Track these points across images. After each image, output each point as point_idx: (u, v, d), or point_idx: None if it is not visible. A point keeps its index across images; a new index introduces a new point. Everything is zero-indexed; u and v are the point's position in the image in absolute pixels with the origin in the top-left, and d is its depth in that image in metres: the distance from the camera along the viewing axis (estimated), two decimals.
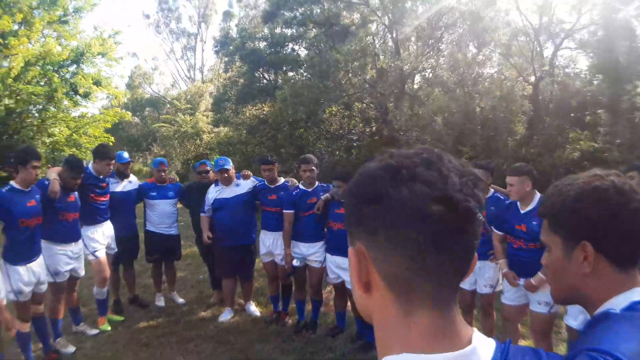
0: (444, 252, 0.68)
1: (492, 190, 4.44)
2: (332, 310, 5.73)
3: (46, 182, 4.49)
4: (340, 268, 4.84)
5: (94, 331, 5.25)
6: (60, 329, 4.87)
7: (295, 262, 5.03)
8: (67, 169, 4.60)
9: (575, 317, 3.50)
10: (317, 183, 5.12)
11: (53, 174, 4.62)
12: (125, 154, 5.78)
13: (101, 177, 5.14)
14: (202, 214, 5.49)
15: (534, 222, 3.71)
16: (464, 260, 0.71)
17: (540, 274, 3.68)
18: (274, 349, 4.85)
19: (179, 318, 5.69)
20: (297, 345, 4.93)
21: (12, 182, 4.14)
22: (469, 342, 0.70)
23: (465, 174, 0.69)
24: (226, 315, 5.59)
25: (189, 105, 23.51)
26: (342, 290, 5.07)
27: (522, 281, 3.88)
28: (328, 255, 4.95)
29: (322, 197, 4.90)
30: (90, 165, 5.14)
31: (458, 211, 0.66)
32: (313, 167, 5.02)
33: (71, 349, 4.80)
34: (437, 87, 10.29)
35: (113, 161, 5.21)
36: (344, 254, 4.73)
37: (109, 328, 5.32)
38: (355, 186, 0.73)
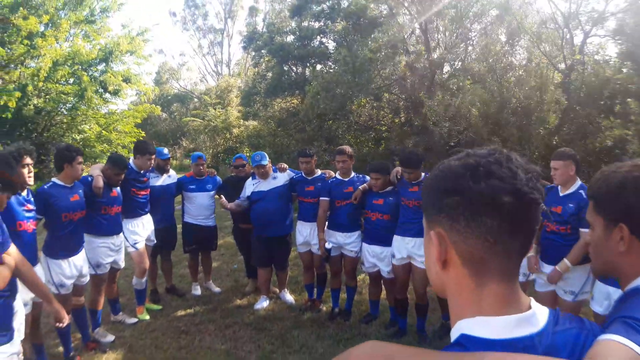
0: (513, 235, 0.83)
1: None
2: (365, 298, 5.84)
3: (89, 179, 4.58)
4: (376, 257, 4.94)
5: (133, 320, 5.37)
6: (99, 319, 5.01)
7: (327, 245, 5.13)
8: (111, 165, 4.71)
9: (600, 303, 3.60)
10: (352, 173, 5.21)
11: (96, 170, 4.73)
12: (165, 150, 5.93)
13: (142, 171, 5.27)
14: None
15: (570, 205, 3.82)
16: (528, 240, 0.86)
17: (565, 261, 3.79)
18: (310, 335, 4.98)
19: (216, 306, 5.83)
20: (331, 332, 5.06)
21: (54, 179, 4.23)
22: (529, 308, 0.86)
23: (529, 170, 0.84)
24: (262, 303, 5.75)
25: (218, 100, 23.77)
26: (377, 279, 5.18)
27: (547, 269, 3.97)
28: (365, 245, 5.04)
29: (360, 188, 4.99)
30: (131, 161, 5.27)
31: (525, 201, 0.81)
32: (347, 158, 5.11)
33: (110, 338, 4.90)
34: (467, 77, 10.22)
35: (153, 156, 5.34)
36: (381, 243, 4.86)
37: (148, 317, 5.45)
38: (437, 180, 0.90)
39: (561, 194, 3.94)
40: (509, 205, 0.80)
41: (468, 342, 0.83)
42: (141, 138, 19.09)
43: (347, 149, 5.20)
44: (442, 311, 5.04)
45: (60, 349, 4.48)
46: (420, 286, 4.76)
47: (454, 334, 0.88)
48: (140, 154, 5.18)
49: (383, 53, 11.23)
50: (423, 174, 4.66)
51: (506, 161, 0.83)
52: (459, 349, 0.83)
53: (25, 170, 3.58)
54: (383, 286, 5.25)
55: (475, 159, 0.85)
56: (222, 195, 5.66)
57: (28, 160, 3.63)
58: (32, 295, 3.56)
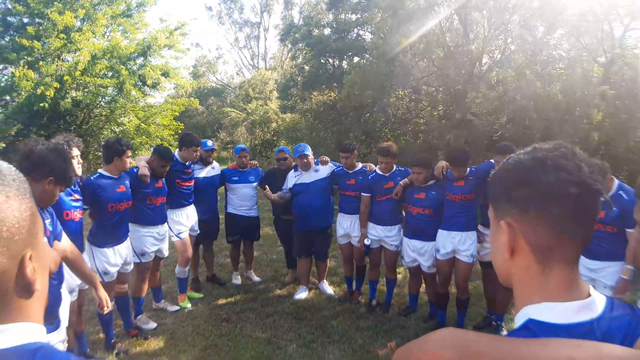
0: (578, 223, 0.90)
1: None
2: (404, 291, 5.86)
3: (135, 170, 4.70)
4: (417, 252, 4.95)
5: (174, 308, 5.49)
6: (142, 306, 5.14)
7: (366, 241, 5.18)
8: (157, 157, 4.83)
9: None
10: (394, 167, 5.20)
11: (142, 162, 4.87)
12: (210, 142, 6.03)
13: (187, 163, 5.39)
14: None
15: (614, 209, 3.79)
16: (590, 228, 0.92)
17: (627, 266, 3.83)
18: (349, 325, 5.03)
19: (256, 295, 5.94)
20: (370, 323, 5.10)
21: (101, 170, 4.32)
22: (589, 295, 0.92)
23: (591, 164, 0.90)
24: (301, 293, 5.84)
25: (259, 95, 23.93)
26: (417, 273, 5.19)
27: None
28: (406, 239, 5.04)
29: (401, 182, 4.99)
30: (176, 153, 5.36)
31: (590, 192, 0.88)
32: (390, 160, 5.10)
33: (152, 325, 5.03)
34: (508, 70, 10.00)
35: (199, 148, 5.45)
36: (422, 238, 4.87)
37: (189, 305, 5.56)
38: (508, 173, 0.97)
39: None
40: (576, 195, 0.86)
41: (535, 327, 0.88)
42: (180, 131, 19.44)
43: (392, 148, 5.14)
44: (488, 305, 5.03)
45: (102, 335, 4.60)
46: (462, 280, 4.76)
47: (520, 319, 0.93)
48: (186, 146, 5.28)
49: (421, 46, 11.11)
50: (468, 169, 4.65)
51: (571, 155, 0.90)
52: (527, 333, 0.88)
53: (75, 162, 3.74)
54: (423, 280, 5.27)
55: (543, 153, 0.92)
56: (266, 187, 5.74)
57: (76, 151, 3.80)
58: (78, 282, 3.68)
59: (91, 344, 4.54)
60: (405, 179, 4.98)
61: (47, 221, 2.75)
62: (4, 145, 14.87)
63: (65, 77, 15.22)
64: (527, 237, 0.92)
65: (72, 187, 3.72)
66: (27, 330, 0.79)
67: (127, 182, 4.46)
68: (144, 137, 18.29)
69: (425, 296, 5.50)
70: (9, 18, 16.91)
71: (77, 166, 3.79)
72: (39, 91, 14.63)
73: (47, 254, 0.88)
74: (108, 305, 3.17)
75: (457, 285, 4.84)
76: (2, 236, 0.75)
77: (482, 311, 5.25)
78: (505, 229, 0.94)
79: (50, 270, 2.75)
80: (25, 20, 16.66)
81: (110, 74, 16.75)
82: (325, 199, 5.63)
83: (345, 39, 15.40)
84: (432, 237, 4.79)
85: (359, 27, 15.67)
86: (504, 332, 4.76)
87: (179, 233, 5.36)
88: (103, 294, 3.13)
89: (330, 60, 16.22)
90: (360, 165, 5.52)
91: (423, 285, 5.37)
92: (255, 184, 6.13)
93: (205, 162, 5.84)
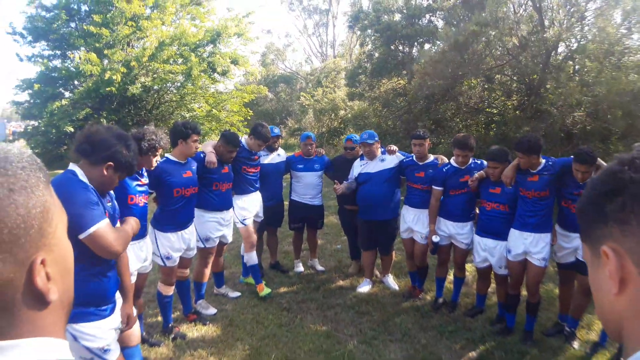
0: None
1: None
2: (471, 290, 5.59)
3: (202, 155, 4.69)
4: (488, 251, 4.66)
5: (236, 294, 5.48)
6: (203, 291, 5.13)
7: (435, 238, 4.93)
8: (224, 143, 4.80)
9: None
10: (471, 160, 4.92)
11: (209, 147, 4.85)
12: (276, 129, 5.99)
13: (253, 150, 5.36)
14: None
15: None
16: None
17: None
18: (413, 324, 4.84)
19: (318, 285, 5.85)
20: (435, 323, 4.89)
21: (167, 155, 4.30)
22: None
23: None
24: (364, 286, 5.69)
25: (331, 85, 23.87)
26: (486, 273, 4.91)
27: None
28: (477, 237, 4.77)
29: (476, 175, 4.71)
30: (243, 139, 5.34)
31: None
32: (468, 152, 4.82)
33: (212, 310, 5.02)
34: (586, 60, 9.28)
35: (267, 143, 5.39)
36: (495, 236, 4.58)
37: (269, 291, 5.45)
38: (594, 188, 0.78)
39: None
40: None
41: None
42: (249, 117, 19.75)
43: (470, 141, 4.85)
44: (561, 310, 4.68)
45: (159, 319, 4.64)
46: (533, 283, 4.43)
47: None
48: (255, 137, 5.22)
49: (493, 33, 10.56)
50: (544, 161, 4.30)
51: None
52: None
53: (155, 159, 3.78)
54: (493, 280, 4.97)
55: (628, 155, 0.76)
56: (336, 182, 5.59)
57: (161, 150, 3.81)
58: (138, 265, 3.71)
59: (148, 327, 4.59)
60: (482, 172, 4.69)
61: (109, 204, 2.74)
62: (71, 129, 15.54)
63: (132, 63, 15.71)
64: (634, 256, 0.71)
65: (139, 171, 3.73)
66: (42, 347, 0.67)
67: (193, 167, 4.43)
68: (214, 123, 18.71)
69: (493, 297, 5.21)
70: (73, 6, 17.51)
71: (155, 163, 3.83)
72: (106, 76, 15.16)
73: (68, 253, 0.75)
74: (130, 324, 3.01)
75: (528, 288, 4.51)
76: (3, 239, 0.62)
77: (552, 316, 4.88)
78: (610, 255, 0.73)
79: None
80: (91, 8, 17.20)
81: (179, 60, 17.15)
82: (391, 190, 5.42)
83: (416, 25, 14.88)
84: (506, 236, 4.48)
85: (430, 13, 15.11)
86: (576, 343, 4.42)
87: (244, 219, 5.34)
88: (130, 310, 3.01)
89: (400, 47, 15.78)
90: (432, 157, 5.26)
91: (492, 285, 5.08)
92: (320, 172, 6.04)
93: (270, 149, 5.80)
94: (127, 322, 2.95)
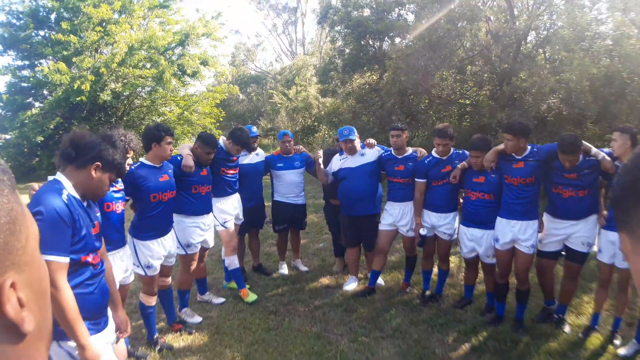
0: None
1: None
2: (458, 281, 5.57)
3: (179, 158, 4.51)
4: (475, 241, 4.62)
5: (220, 300, 5.32)
6: (187, 299, 4.97)
7: (422, 231, 4.88)
8: (201, 144, 4.64)
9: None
10: (452, 150, 4.88)
11: (186, 149, 4.67)
12: (254, 128, 5.85)
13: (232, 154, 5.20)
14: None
15: None
16: None
17: None
18: (403, 319, 4.78)
19: (304, 286, 5.74)
20: (425, 317, 4.83)
21: (142, 159, 4.12)
22: None
23: None
24: (351, 284, 5.60)
25: (303, 83, 23.80)
26: (474, 264, 4.89)
27: None
28: (463, 227, 4.72)
29: (459, 166, 4.68)
30: (221, 140, 5.19)
31: None
32: (448, 141, 4.78)
33: (197, 319, 4.85)
34: (558, 45, 9.39)
35: (243, 149, 5.24)
36: (481, 225, 4.55)
37: (256, 297, 5.30)
38: (625, 178, 0.70)
39: None
40: None
41: None
42: (221, 119, 19.51)
43: (449, 130, 4.82)
44: (545, 297, 4.68)
45: (144, 331, 4.46)
46: (522, 271, 4.41)
47: None
48: (234, 142, 5.05)
49: (463, 23, 10.61)
50: (529, 147, 4.27)
51: None
52: None
53: (126, 162, 3.57)
54: (480, 270, 4.94)
55: None
56: (319, 151, 5.48)
57: (132, 152, 3.67)
58: (120, 276, 3.54)
59: (132, 340, 4.38)
60: (464, 163, 4.65)
61: (98, 214, 2.62)
62: (42, 138, 15.26)
63: (102, 70, 15.44)
64: None
65: None
66: None
67: (170, 171, 4.25)
68: (185, 126, 18.46)
69: (479, 286, 5.19)
70: (41, 14, 17.26)
71: (127, 166, 3.64)
72: (74, 85, 14.88)
73: (43, 273, 0.61)
74: (128, 330, 2.93)
75: (517, 276, 4.48)
76: None
77: (541, 302, 4.86)
78: None
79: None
80: (60, 15, 16.93)
81: (148, 65, 16.90)
82: (373, 184, 5.34)
83: (386, 20, 14.89)
84: (492, 225, 4.44)
85: (399, 7, 15.14)
86: (567, 327, 4.43)
87: (225, 222, 5.20)
88: (123, 316, 2.91)
89: (371, 42, 15.76)
90: (410, 150, 5.20)
91: (479, 275, 5.05)
92: (301, 169, 5.93)
93: (249, 149, 5.66)
94: (123, 330, 2.87)
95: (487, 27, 11.32)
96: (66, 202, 2.28)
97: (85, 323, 2.33)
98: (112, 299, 2.79)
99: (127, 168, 3.69)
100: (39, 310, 0.59)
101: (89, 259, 2.42)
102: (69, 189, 2.34)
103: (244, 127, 5.29)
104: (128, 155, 3.60)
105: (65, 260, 2.23)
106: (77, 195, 2.37)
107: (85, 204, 2.46)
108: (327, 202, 6.08)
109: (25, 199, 0.70)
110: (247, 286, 5.54)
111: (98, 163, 2.40)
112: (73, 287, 2.30)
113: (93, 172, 2.40)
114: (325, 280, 5.91)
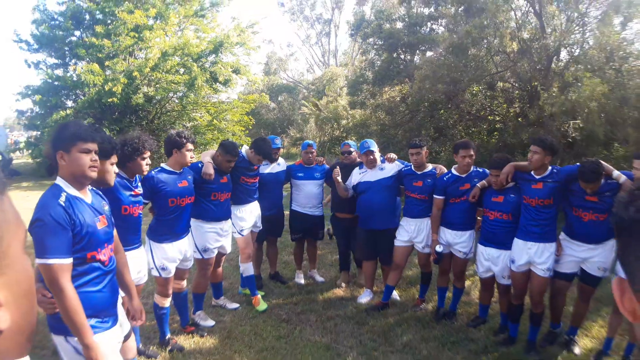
0: None
1: None
2: (473, 299, 5.50)
3: (199, 165, 4.61)
4: (491, 261, 4.57)
5: (234, 305, 5.38)
6: (202, 302, 5.04)
7: (438, 248, 4.85)
8: (222, 152, 4.72)
9: None
10: (472, 168, 4.86)
11: (207, 157, 4.77)
12: (277, 140, 5.91)
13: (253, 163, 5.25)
14: None
15: None
16: None
17: None
18: (414, 335, 4.75)
19: (318, 296, 5.76)
20: (437, 333, 4.78)
21: (163, 164, 4.23)
22: None
23: None
24: (365, 297, 5.60)
25: (333, 94, 23.91)
26: (489, 283, 4.83)
27: None
28: (480, 247, 4.67)
29: (478, 185, 4.65)
30: (243, 149, 5.25)
31: None
32: (472, 153, 4.77)
33: (210, 322, 4.92)
34: (587, 66, 9.22)
35: (265, 160, 5.33)
36: (498, 245, 4.50)
37: (266, 306, 5.34)
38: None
39: None
40: None
41: None
42: (251, 127, 19.72)
43: (472, 142, 4.82)
44: (552, 320, 4.58)
45: (156, 330, 4.55)
46: (537, 294, 4.32)
47: None
48: (256, 152, 5.12)
49: (495, 40, 10.52)
50: (550, 168, 4.22)
51: None
52: None
53: (144, 162, 3.69)
54: (496, 290, 4.88)
55: None
56: (337, 167, 5.47)
57: (148, 153, 3.74)
58: (132, 276, 3.65)
59: (144, 339, 4.49)
60: (483, 181, 4.62)
61: (106, 208, 2.70)
62: None
63: (134, 73, 15.78)
64: None
65: (133, 182, 3.69)
66: None
67: (189, 177, 4.35)
68: (215, 132, 18.70)
69: (495, 306, 5.12)
70: (83, 15, 17.74)
71: (146, 165, 3.76)
72: (107, 87, 15.24)
73: (25, 275, 0.65)
74: (142, 318, 3.03)
75: (532, 298, 4.40)
76: None
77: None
78: None
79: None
80: (97, 17, 17.33)
81: (182, 70, 17.21)
82: (391, 198, 5.34)
83: (418, 33, 14.88)
84: (509, 245, 4.39)
85: (432, 21, 15.12)
86: (577, 349, 4.35)
87: (242, 230, 5.27)
88: (138, 304, 3.00)
89: (402, 55, 15.78)
90: (430, 166, 5.19)
91: (495, 294, 4.99)
92: (321, 181, 5.96)
93: (271, 159, 5.72)
94: (137, 318, 2.98)
95: (519, 43, 11.22)
96: (63, 204, 2.35)
97: (92, 321, 2.42)
98: (128, 287, 2.92)
99: (146, 169, 3.79)
100: (18, 309, 0.63)
101: (96, 255, 2.49)
102: (68, 189, 2.42)
103: (267, 138, 5.36)
104: (145, 156, 3.69)
105: (67, 261, 2.31)
106: (77, 194, 2.45)
107: (89, 201, 2.54)
108: (333, 215, 6.07)
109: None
110: (262, 294, 5.59)
111: (77, 142, 2.43)
112: (81, 286, 2.39)
113: (76, 153, 2.42)
114: (339, 292, 5.91)
